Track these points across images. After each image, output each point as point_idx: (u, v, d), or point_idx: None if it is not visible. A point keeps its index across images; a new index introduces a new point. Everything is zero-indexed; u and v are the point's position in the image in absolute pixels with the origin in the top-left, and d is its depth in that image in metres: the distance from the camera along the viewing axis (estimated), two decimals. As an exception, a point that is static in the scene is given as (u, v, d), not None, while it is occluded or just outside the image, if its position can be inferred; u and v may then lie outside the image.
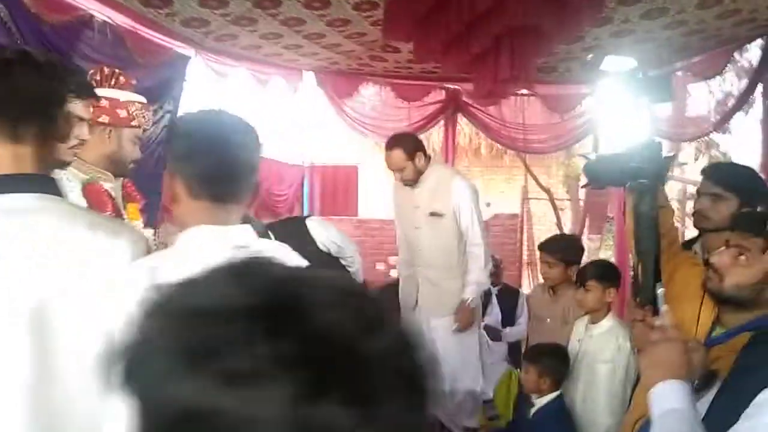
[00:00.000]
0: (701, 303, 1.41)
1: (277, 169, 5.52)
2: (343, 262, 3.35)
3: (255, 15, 3.49)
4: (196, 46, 3.87)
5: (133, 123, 2.15)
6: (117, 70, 2.25)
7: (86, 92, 1.36)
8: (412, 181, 3.27)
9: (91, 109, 2.05)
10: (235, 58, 4.26)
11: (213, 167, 1.16)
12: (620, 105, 1.15)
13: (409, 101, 5.43)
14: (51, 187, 1.14)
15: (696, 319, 1.42)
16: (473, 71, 3.43)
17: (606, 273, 2.51)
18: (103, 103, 2.08)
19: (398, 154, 3.22)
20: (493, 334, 4.29)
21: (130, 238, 1.14)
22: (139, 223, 2.22)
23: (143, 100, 2.24)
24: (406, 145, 3.25)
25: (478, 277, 3.24)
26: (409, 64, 4.81)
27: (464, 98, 5.34)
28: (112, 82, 2.20)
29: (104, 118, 2.08)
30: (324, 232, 3.21)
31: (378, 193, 9.63)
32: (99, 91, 2.06)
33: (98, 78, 2.17)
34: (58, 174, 1.74)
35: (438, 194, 3.25)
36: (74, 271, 1.05)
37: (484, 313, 4.68)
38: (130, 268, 1.08)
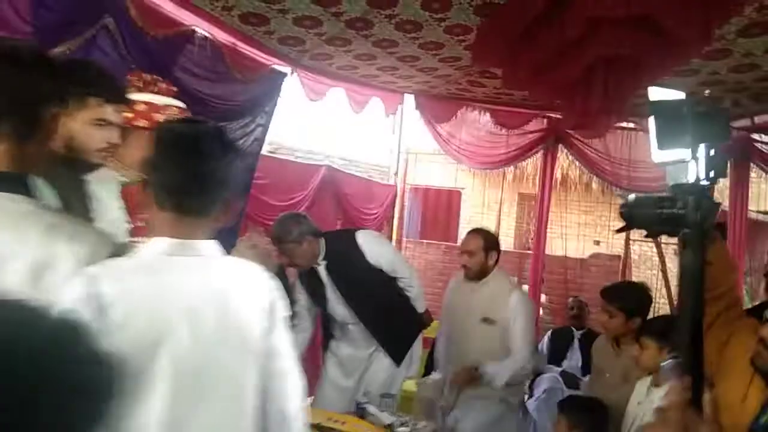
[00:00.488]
0: (750, 381, 1.19)
1: (367, 187, 5.55)
2: (400, 284, 3.27)
3: (348, 36, 3.53)
4: (293, 63, 3.98)
5: None
6: (157, 76, 2.28)
7: (114, 97, 1.38)
8: (475, 276, 3.26)
9: (131, 114, 2.16)
10: (332, 78, 4.34)
11: (179, 179, 1.15)
12: (667, 140, 1.00)
13: (508, 128, 5.28)
14: (17, 186, 1.08)
15: (742, 399, 1.20)
16: (562, 100, 3.25)
17: (666, 330, 2.23)
18: (142, 107, 2.12)
19: (478, 240, 3.28)
20: (571, 381, 4.00)
21: (88, 242, 1.10)
22: None
23: (182, 105, 2.25)
24: (488, 237, 3.34)
25: (511, 367, 3.11)
26: (510, 90, 4.68)
27: (566, 129, 5.10)
28: (154, 89, 2.23)
29: (142, 122, 2.11)
30: (375, 248, 3.21)
31: (474, 221, 9.44)
32: (137, 96, 2.15)
33: (140, 84, 2.20)
34: (89, 175, 1.83)
35: (495, 302, 3.20)
36: (19, 273, 1.01)
37: (563, 357, 4.40)
38: (71, 273, 1.05)
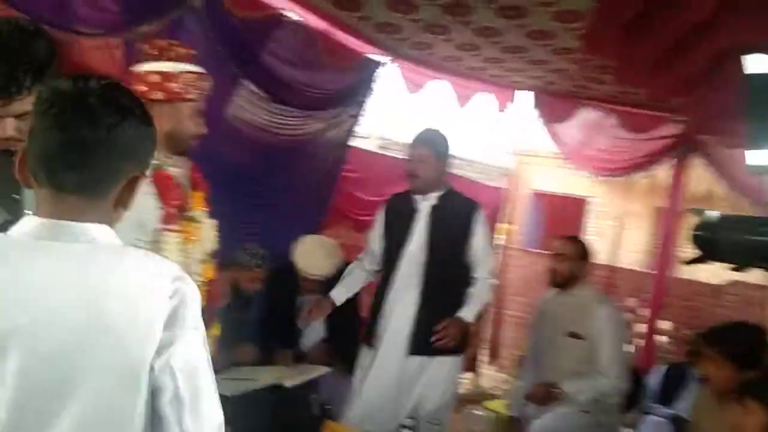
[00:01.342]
0: None
1: (470, 188, 5.21)
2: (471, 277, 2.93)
3: (446, 22, 3.27)
4: (391, 52, 3.79)
5: (190, 96, 1.97)
6: (176, 42, 2.07)
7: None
8: (562, 283, 3.05)
9: (144, 87, 1.94)
10: (434, 69, 4.09)
11: (51, 146, 0.93)
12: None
13: (633, 132, 4.71)
14: None
15: None
16: (685, 99, 2.76)
17: None
18: (155, 78, 1.94)
19: (572, 245, 3.08)
20: (681, 429, 3.45)
21: None
22: (201, 213, 2.09)
23: (199, 69, 2.02)
24: (583, 245, 3.14)
25: (595, 387, 2.85)
26: (637, 88, 4.15)
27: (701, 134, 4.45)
28: (171, 54, 2.00)
29: (157, 95, 1.93)
30: (484, 227, 2.96)
31: (599, 231, 8.73)
32: (149, 66, 1.98)
33: (155, 52, 2.00)
34: None
35: (583, 315, 2.94)
36: None
37: (674, 398, 3.84)
38: None
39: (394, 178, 4.22)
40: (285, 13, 3.19)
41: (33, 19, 2.26)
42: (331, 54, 3.44)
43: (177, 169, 2.03)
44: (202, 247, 2.08)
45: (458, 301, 2.82)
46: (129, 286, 0.93)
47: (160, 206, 1.93)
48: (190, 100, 1.98)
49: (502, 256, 5.96)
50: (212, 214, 2.13)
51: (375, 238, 3.04)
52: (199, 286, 2.01)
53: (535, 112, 4.96)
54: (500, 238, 6.13)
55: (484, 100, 4.67)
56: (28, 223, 0.94)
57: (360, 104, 3.73)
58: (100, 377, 0.89)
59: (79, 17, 2.43)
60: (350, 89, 3.64)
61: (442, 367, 2.87)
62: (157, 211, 1.93)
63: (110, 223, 1.00)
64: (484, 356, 5.85)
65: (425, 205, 2.89)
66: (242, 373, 2.76)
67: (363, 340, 3.03)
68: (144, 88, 1.93)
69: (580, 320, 2.87)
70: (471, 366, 5.59)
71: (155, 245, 1.91)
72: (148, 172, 1.85)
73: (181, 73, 1.96)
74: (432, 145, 2.87)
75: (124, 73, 2.61)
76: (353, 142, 3.93)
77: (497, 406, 3.92)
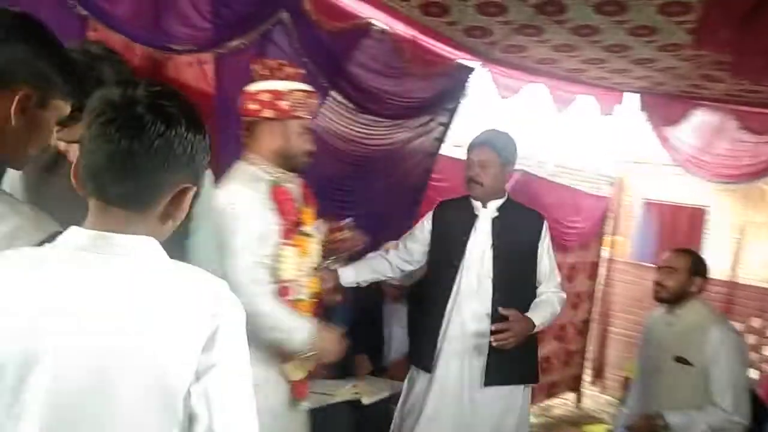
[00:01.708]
0: None
1: (572, 198, 4.95)
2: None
3: (539, 22, 3.10)
4: (482, 57, 3.66)
5: (299, 113, 2.03)
6: (282, 61, 2.14)
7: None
8: (670, 299, 2.69)
9: (255, 106, 2.06)
10: (529, 73, 3.92)
11: (98, 157, 0.90)
12: None
13: (755, 134, 4.27)
14: None
15: None
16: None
17: None
18: (266, 97, 2.02)
19: (683, 258, 2.71)
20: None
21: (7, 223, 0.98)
22: (312, 228, 2.12)
23: (308, 87, 2.09)
24: (698, 259, 2.74)
25: (706, 420, 2.48)
26: (757, 85, 3.75)
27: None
28: (280, 74, 2.09)
29: (268, 113, 2.02)
30: (549, 241, 2.70)
31: (721, 245, 8.02)
32: (259, 85, 2.07)
33: (266, 72, 2.10)
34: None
35: (692, 338, 2.57)
36: None
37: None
38: None
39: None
40: (372, 22, 3.16)
41: (129, 38, 2.41)
42: (420, 62, 3.37)
43: (291, 184, 2.09)
44: (311, 261, 2.13)
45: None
46: (167, 306, 0.88)
47: (280, 221, 1.99)
48: (299, 117, 2.05)
49: (608, 270, 5.60)
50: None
51: (417, 241, 2.74)
52: (305, 299, 2.06)
53: (643, 116, 4.63)
54: (606, 250, 5.78)
55: (586, 104, 4.42)
56: (72, 234, 0.92)
57: (450, 112, 3.63)
58: (135, 399, 0.85)
59: (171, 35, 2.51)
60: (439, 97, 3.55)
61: (514, 399, 2.57)
62: (277, 225, 1.98)
63: (158, 235, 0.97)
64: (587, 375, 5.51)
65: (486, 214, 2.62)
66: (321, 386, 2.73)
67: (413, 361, 2.73)
68: (256, 107, 2.03)
69: (689, 343, 2.57)
70: (574, 386, 5.29)
71: (275, 258, 1.97)
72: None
73: (291, 91, 2.03)
74: (498, 148, 2.57)
75: (213, 87, 2.71)
76: (443, 151, 3.83)
77: (599, 430, 3.66)
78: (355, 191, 3.32)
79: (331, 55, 3.06)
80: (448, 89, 3.58)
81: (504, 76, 3.80)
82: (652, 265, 6.99)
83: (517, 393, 2.59)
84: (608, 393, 5.42)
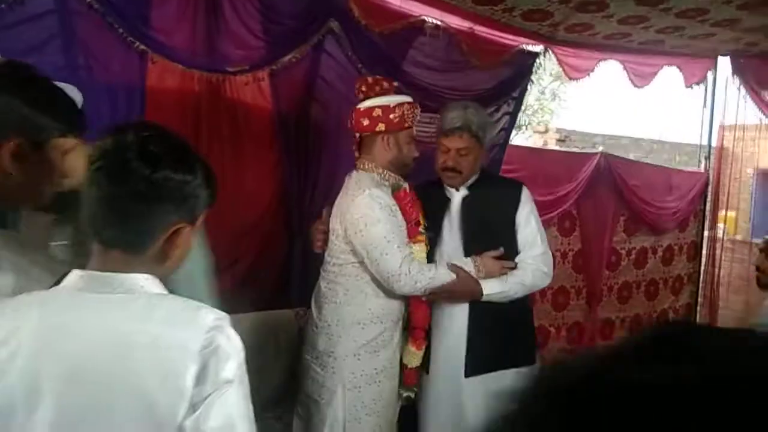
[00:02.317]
0: None
1: (663, 176, 4.62)
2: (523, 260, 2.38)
3: (599, -3, 2.94)
4: (545, 40, 3.52)
5: (407, 124, 2.24)
6: (379, 77, 2.29)
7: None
8: None
9: (367, 122, 2.22)
10: (599, 50, 3.71)
11: (93, 204, 0.94)
12: None
13: None
14: None
15: None
16: None
17: None
18: (377, 113, 2.22)
19: None
20: None
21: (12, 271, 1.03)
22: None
23: (409, 99, 2.28)
24: None
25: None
26: None
27: None
28: (377, 90, 2.26)
29: (381, 127, 2.21)
30: (531, 210, 2.39)
31: None
32: (369, 102, 2.24)
33: (364, 89, 2.26)
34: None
35: None
36: None
37: None
38: None
39: (561, 173, 3.93)
40: (425, 19, 3.12)
41: (186, 66, 2.53)
42: (479, 53, 3.29)
43: (407, 187, 2.27)
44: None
45: (513, 305, 2.33)
46: (158, 339, 0.90)
47: (405, 222, 2.20)
48: (407, 128, 2.26)
49: (713, 249, 5.19)
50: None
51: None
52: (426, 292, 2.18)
53: (737, 80, 4.28)
54: (712, 229, 5.36)
55: (669, 75, 4.14)
56: (73, 276, 0.97)
57: (516, 100, 3.51)
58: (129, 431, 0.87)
59: (226, 57, 2.62)
60: (503, 86, 3.44)
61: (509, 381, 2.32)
62: (404, 226, 2.19)
63: (159, 274, 1.00)
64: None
65: (458, 195, 2.42)
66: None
67: None
68: (367, 123, 2.23)
69: None
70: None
71: (411, 256, 2.18)
72: (390, 192, 2.18)
73: (398, 105, 2.23)
74: (477, 131, 2.31)
75: (270, 103, 2.79)
76: (520, 141, 3.71)
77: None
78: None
79: (386, 58, 3.05)
80: (512, 77, 3.46)
81: (571, 56, 3.63)
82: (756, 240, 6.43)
83: (514, 376, 2.35)
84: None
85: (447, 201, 2.42)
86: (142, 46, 2.39)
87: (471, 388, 2.34)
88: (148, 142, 0.96)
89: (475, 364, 2.33)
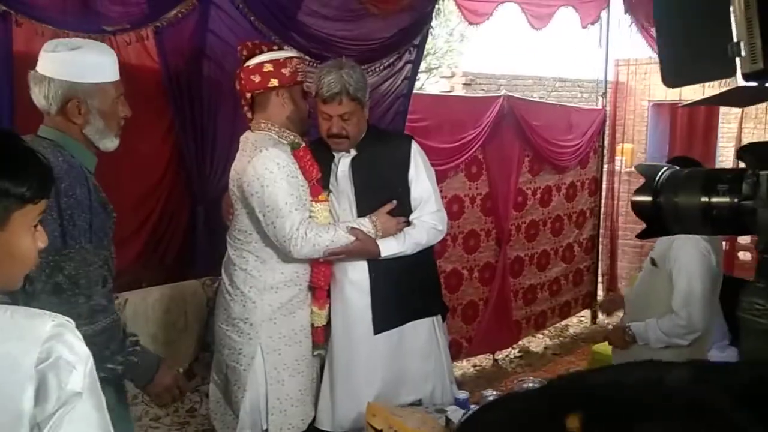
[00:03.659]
0: None
1: (562, 115, 4.78)
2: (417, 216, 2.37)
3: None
4: (443, -16, 3.48)
5: (299, 78, 2.21)
6: (259, 42, 2.31)
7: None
8: None
9: (258, 78, 2.17)
10: (497, -7, 3.72)
11: None
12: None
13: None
14: None
15: None
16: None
17: None
18: (268, 67, 2.16)
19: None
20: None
21: None
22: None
23: (297, 54, 2.28)
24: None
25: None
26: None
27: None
28: (265, 47, 2.25)
29: (273, 82, 2.16)
30: (423, 165, 2.34)
31: (735, 137, 7.77)
32: (258, 58, 2.18)
33: (245, 53, 2.22)
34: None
35: (662, 239, 2.52)
36: None
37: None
38: None
39: (466, 119, 3.97)
40: (317, -34, 3.00)
41: (57, 27, 2.32)
42: (375, 1, 3.21)
43: (304, 146, 2.23)
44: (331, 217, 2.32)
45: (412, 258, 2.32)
46: None
47: (306, 182, 2.18)
48: (300, 82, 2.24)
49: (612, 183, 5.47)
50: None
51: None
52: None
53: (628, 19, 4.44)
54: (616, 161, 5.64)
55: (566, 17, 4.22)
56: None
57: (417, 48, 3.48)
58: None
59: (103, 16, 2.42)
60: (403, 34, 3.39)
61: (420, 332, 2.40)
62: (305, 185, 2.18)
63: None
64: (600, 291, 5.49)
65: (347, 158, 2.35)
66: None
67: None
68: (259, 80, 2.16)
69: (660, 244, 2.53)
70: (588, 303, 5.29)
71: (312, 218, 2.18)
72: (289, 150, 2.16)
73: (288, 59, 2.20)
74: (356, 93, 2.20)
75: (158, 62, 2.62)
76: (430, 86, 3.70)
77: (607, 348, 3.66)
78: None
79: (279, 7, 2.92)
80: (412, 24, 3.41)
81: (469, 0, 3.61)
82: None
83: (420, 328, 2.40)
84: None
85: (335, 162, 2.36)
86: (4, 7, 2.17)
87: (382, 343, 2.35)
88: None
89: (383, 320, 2.35)
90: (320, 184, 2.25)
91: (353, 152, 2.35)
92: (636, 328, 2.51)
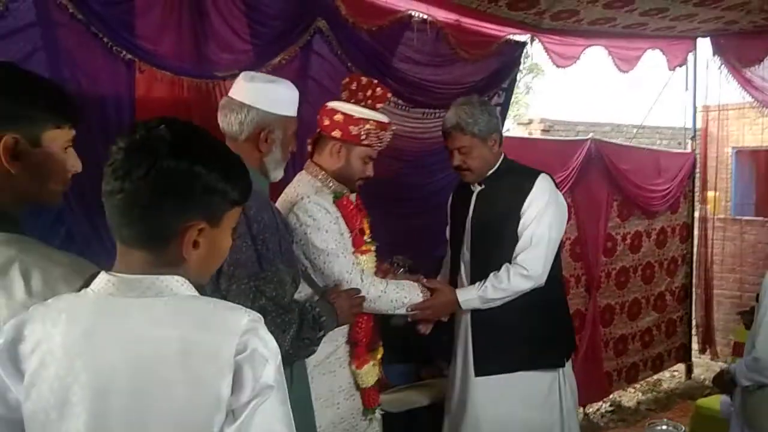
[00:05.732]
0: None
1: (652, 159, 4.64)
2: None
3: (585, -18, 2.94)
4: (531, 29, 3.51)
5: (364, 142, 2.06)
6: (375, 81, 2.15)
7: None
8: None
9: (327, 122, 2.10)
10: (585, 36, 3.72)
11: (107, 204, 0.92)
12: None
13: None
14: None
15: None
16: None
17: None
18: (338, 117, 2.06)
19: None
20: None
21: (44, 271, 1.03)
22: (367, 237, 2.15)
23: (384, 119, 2.11)
24: None
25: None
26: None
27: None
28: (368, 93, 2.11)
29: (336, 133, 2.06)
30: (541, 202, 2.27)
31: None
32: (337, 104, 2.11)
33: (353, 88, 2.11)
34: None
35: None
36: None
37: None
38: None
39: (554, 162, 3.91)
40: (411, 14, 3.09)
41: (174, 73, 2.46)
42: (467, 45, 3.27)
43: (352, 195, 2.14)
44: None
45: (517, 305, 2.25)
46: (189, 346, 0.86)
47: (349, 231, 2.05)
48: (365, 145, 2.08)
49: (704, 230, 5.24)
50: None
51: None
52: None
53: (718, 60, 4.32)
54: (699, 209, 5.42)
55: (653, 58, 4.17)
56: (101, 280, 0.93)
57: (505, 91, 3.50)
58: None
59: (214, 63, 2.55)
60: (492, 77, 3.42)
61: (530, 386, 2.31)
62: (348, 234, 2.05)
63: (187, 274, 0.95)
64: (695, 344, 5.18)
65: (478, 188, 2.39)
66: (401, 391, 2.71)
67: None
68: (328, 123, 2.08)
69: None
70: (682, 356, 4.99)
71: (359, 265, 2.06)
72: (332, 198, 2.03)
73: (363, 119, 2.05)
74: (469, 128, 2.27)
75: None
76: (507, 132, 3.70)
77: (712, 402, 3.42)
78: (415, 188, 3.26)
79: (374, 55, 3.02)
80: (501, 68, 3.45)
81: (558, 44, 3.63)
82: (752, 218, 6.51)
83: (535, 378, 2.31)
84: (721, 360, 5.07)
85: (469, 197, 2.40)
86: (129, 56, 2.32)
87: (482, 388, 2.30)
88: (149, 137, 0.92)
89: (483, 365, 2.30)
90: (363, 234, 2.12)
91: (480, 186, 2.38)
92: (733, 368, 2.37)
